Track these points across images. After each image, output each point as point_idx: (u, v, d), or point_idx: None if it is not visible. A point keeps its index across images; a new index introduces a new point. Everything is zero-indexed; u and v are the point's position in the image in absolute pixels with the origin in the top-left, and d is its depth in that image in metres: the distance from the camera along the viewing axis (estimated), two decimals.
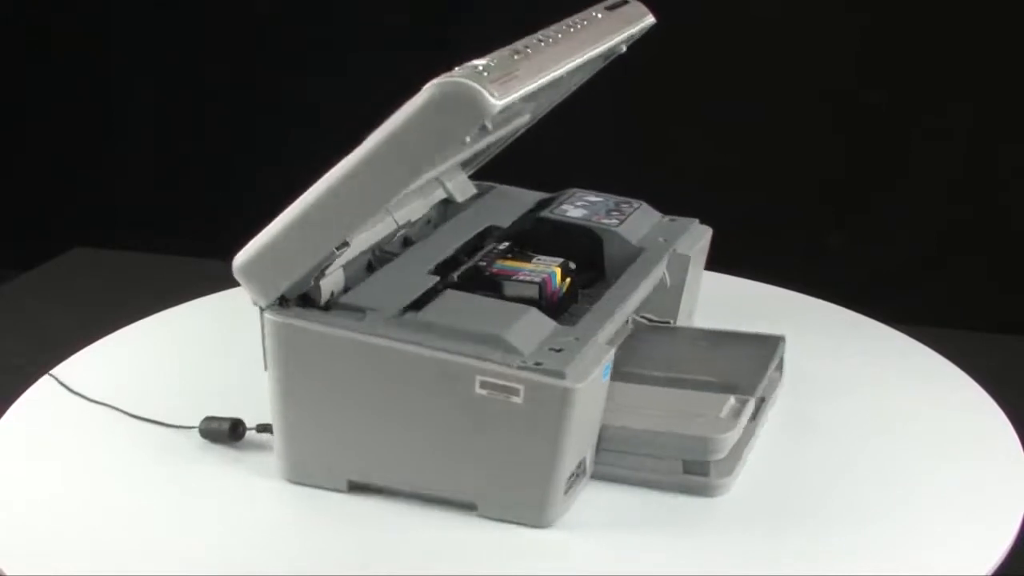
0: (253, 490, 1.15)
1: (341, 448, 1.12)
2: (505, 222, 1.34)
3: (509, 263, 1.23)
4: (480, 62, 1.05)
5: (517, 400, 1.04)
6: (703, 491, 1.13)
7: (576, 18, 1.25)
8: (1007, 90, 2.71)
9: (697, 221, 1.41)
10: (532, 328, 1.09)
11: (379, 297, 1.13)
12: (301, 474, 1.14)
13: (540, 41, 1.15)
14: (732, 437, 1.12)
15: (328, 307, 1.12)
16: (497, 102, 1.01)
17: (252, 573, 1.04)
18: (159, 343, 1.48)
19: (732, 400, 1.17)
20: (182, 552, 1.07)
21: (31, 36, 3.22)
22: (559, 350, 1.06)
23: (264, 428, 1.19)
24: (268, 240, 1.10)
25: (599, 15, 1.27)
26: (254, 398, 1.31)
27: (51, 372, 1.36)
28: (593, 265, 1.30)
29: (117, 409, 1.27)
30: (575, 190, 1.41)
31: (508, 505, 1.09)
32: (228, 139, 3.12)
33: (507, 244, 1.29)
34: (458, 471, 1.09)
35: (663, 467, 1.13)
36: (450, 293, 1.14)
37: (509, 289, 1.19)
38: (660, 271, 1.30)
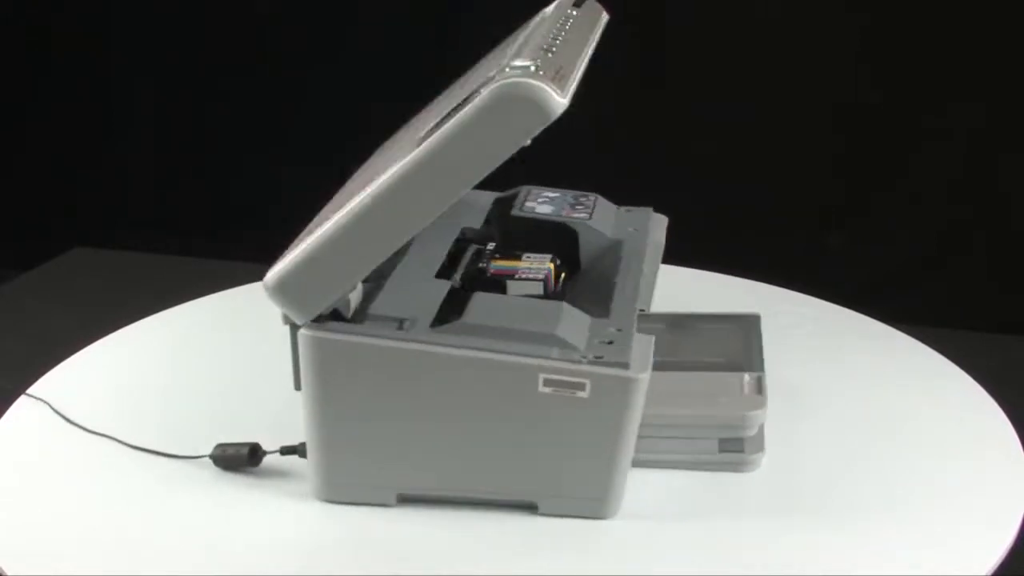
0: (274, 506, 1.13)
1: (391, 462, 1.10)
2: (476, 223, 1.34)
3: (503, 263, 1.23)
4: (526, 62, 1.03)
5: (583, 395, 1.05)
6: (740, 467, 1.17)
7: (555, 16, 1.24)
8: (1007, 90, 2.71)
9: (651, 209, 1.40)
10: (575, 323, 1.09)
11: (404, 306, 1.10)
12: (343, 493, 1.12)
13: (554, 37, 1.14)
14: (764, 412, 1.17)
15: (356, 319, 1.09)
16: (563, 100, 1.00)
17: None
18: (159, 343, 1.48)
19: (747, 377, 1.21)
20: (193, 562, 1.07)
21: (31, 36, 3.23)
22: (610, 342, 1.07)
23: (290, 450, 1.15)
24: (310, 255, 1.05)
25: (574, 12, 1.27)
26: (255, 400, 1.31)
27: (48, 397, 1.32)
28: (567, 258, 1.30)
29: (118, 440, 1.22)
30: (529, 187, 1.40)
31: (570, 500, 1.09)
32: (228, 139, 3.12)
33: (493, 244, 1.28)
34: (518, 472, 1.09)
35: (700, 447, 1.17)
36: (480, 295, 1.12)
37: (513, 288, 1.19)
38: (646, 259, 1.30)
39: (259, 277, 1.65)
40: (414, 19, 2.96)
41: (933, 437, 1.24)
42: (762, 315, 1.33)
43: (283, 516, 1.11)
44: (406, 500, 1.11)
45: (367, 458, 1.10)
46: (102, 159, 3.26)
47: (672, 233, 1.38)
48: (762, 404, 1.17)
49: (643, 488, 1.13)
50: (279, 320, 1.09)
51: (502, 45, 1.31)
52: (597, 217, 1.33)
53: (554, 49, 1.09)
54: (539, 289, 1.19)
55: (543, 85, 1.00)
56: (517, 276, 1.20)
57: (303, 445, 1.12)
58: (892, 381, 1.37)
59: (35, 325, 2.74)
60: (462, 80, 1.28)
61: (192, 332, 1.50)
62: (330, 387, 1.08)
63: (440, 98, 1.33)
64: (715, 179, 2.81)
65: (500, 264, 1.23)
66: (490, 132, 1.02)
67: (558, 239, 1.30)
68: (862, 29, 2.76)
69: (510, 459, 1.09)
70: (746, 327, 1.32)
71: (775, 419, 1.24)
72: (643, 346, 1.09)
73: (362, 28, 2.98)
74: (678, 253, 1.45)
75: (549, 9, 1.29)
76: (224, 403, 1.31)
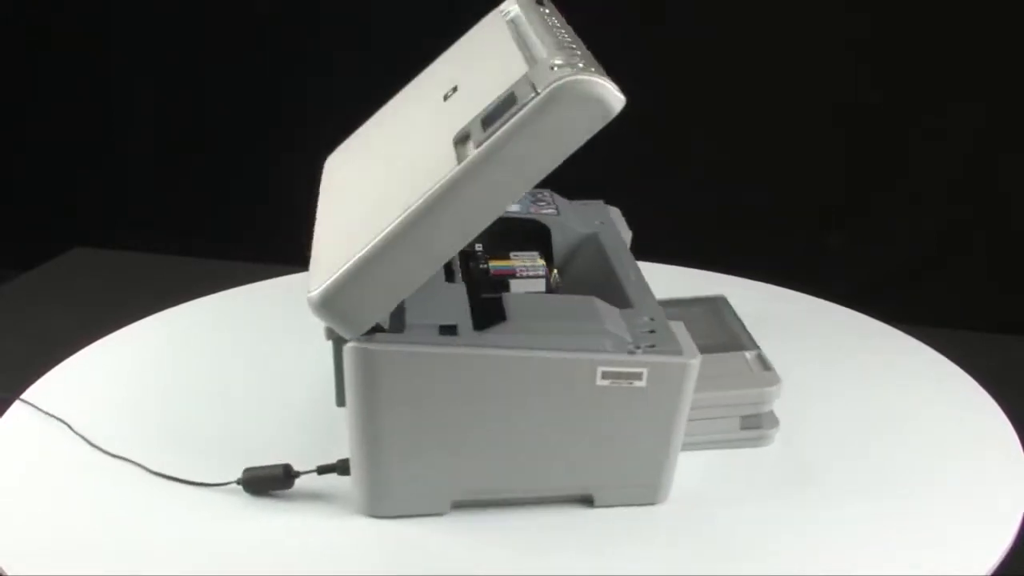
0: (313, 525, 1.10)
1: (445, 470, 1.09)
2: None
3: (498, 263, 1.24)
4: (566, 59, 1.02)
5: (640, 384, 1.06)
6: (759, 442, 1.22)
7: (531, 14, 1.22)
8: (1008, 90, 2.71)
9: (603, 202, 1.40)
10: (612, 316, 1.10)
11: (436, 312, 1.09)
12: (395, 507, 1.10)
13: (562, 35, 1.13)
14: (780, 386, 1.22)
15: (394, 329, 1.07)
16: (622, 97, 0.99)
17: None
18: (159, 343, 1.48)
19: (747, 355, 1.25)
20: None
21: (31, 36, 3.22)
22: (652, 331, 1.09)
23: (327, 469, 1.12)
24: (360, 268, 1.01)
25: (547, 10, 1.26)
26: (256, 401, 1.31)
27: (48, 398, 1.33)
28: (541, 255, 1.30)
29: (142, 467, 1.18)
30: None
31: (626, 489, 1.12)
32: (228, 139, 3.12)
33: (481, 245, 1.28)
34: (575, 466, 1.10)
35: (723, 427, 1.21)
36: (510, 296, 1.12)
37: (516, 286, 1.19)
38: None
39: (259, 277, 1.65)
40: (415, 19, 2.96)
41: (933, 437, 1.24)
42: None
43: (329, 535, 1.09)
44: (458, 507, 1.11)
45: (420, 469, 1.09)
46: (102, 159, 3.26)
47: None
48: (777, 379, 1.21)
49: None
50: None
51: (467, 43, 1.29)
52: (564, 212, 1.33)
53: (575, 47, 1.08)
54: (542, 286, 1.19)
55: (603, 82, 0.99)
56: (518, 274, 1.20)
57: (343, 462, 1.11)
58: (892, 381, 1.37)
59: (35, 325, 2.74)
60: (437, 78, 1.26)
61: (192, 332, 1.50)
62: (381, 399, 1.05)
63: (407, 97, 1.31)
64: (715, 179, 2.81)
65: (496, 264, 1.23)
66: (551, 132, 0.99)
67: (529, 236, 1.30)
68: (862, 29, 2.76)
69: (567, 455, 1.10)
70: (715, 308, 1.35)
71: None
72: (681, 332, 1.10)
73: (362, 28, 2.97)
74: (678, 253, 1.45)
75: (508, 8, 1.27)
76: (225, 404, 1.31)
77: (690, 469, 1.16)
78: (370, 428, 1.06)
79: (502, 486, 1.11)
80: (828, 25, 2.76)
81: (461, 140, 1.03)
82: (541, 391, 1.06)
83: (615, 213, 1.38)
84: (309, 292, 1.02)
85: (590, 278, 1.24)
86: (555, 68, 1.00)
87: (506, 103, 1.00)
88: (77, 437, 1.24)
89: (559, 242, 1.30)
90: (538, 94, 0.98)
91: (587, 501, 1.12)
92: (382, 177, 1.15)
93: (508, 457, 1.09)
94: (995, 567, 1.04)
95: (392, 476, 1.09)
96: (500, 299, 1.10)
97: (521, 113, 0.98)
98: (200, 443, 1.22)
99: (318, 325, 1.04)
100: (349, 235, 1.06)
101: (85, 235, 3.21)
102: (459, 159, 1.01)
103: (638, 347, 1.07)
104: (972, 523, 1.10)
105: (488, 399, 1.06)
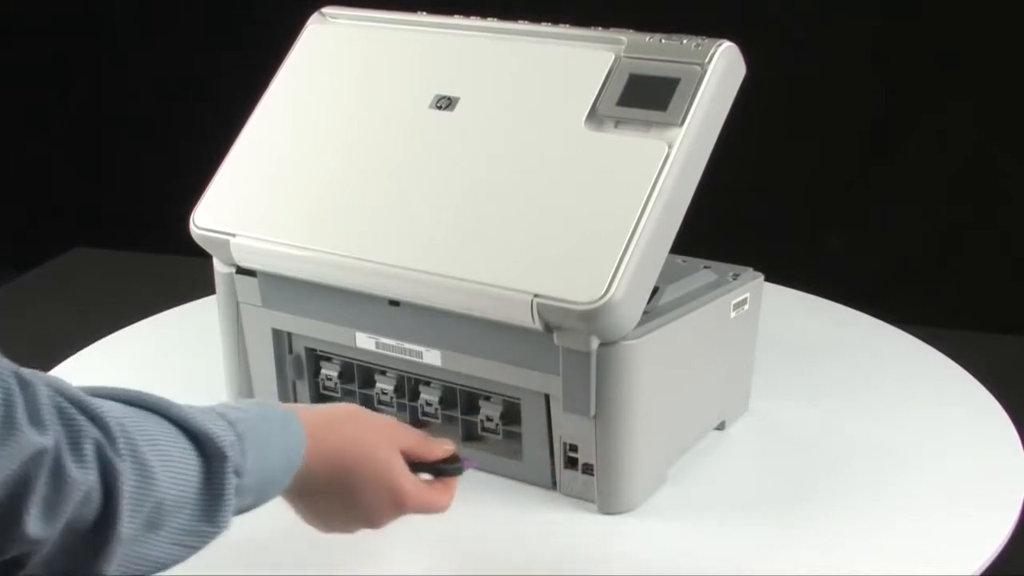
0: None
1: (664, 440, 1.12)
2: None
3: None
4: (659, 37, 1.15)
5: (746, 307, 1.21)
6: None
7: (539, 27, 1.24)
8: (1008, 89, 2.71)
9: None
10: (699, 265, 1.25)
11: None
12: (639, 497, 1.11)
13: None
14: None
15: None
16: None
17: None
18: (159, 344, 1.48)
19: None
20: None
21: (31, 35, 3.23)
22: (707, 267, 1.24)
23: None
24: (635, 267, 1.01)
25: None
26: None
27: None
28: None
29: None
30: None
31: (738, 410, 1.25)
32: (228, 139, 3.12)
33: None
34: (727, 395, 1.22)
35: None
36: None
37: None
38: None
39: None
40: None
41: (933, 436, 1.24)
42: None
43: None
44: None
45: (653, 448, 1.10)
46: (102, 159, 3.26)
47: None
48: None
49: None
50: None
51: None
52: None
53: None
54: None
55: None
56: None
57: (585, 468, 1.08)
58: (892, 380, 1.37)
59: (34, 325, 2.74)
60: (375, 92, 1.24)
61: (192, 333, 1.50)
62: (643, 386, 1.06)
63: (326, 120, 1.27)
64: (715, 179, 2.80)
65: None
66: (724, 94, 1.10)
67: None
68: (862, 29, 2.76)
69: (729, 383, 1.22)
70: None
71: (774, 417, 1.24)
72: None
73: None
74: (677, 251, 1.44)
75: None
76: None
77: (687, 466, 1.16)
78: (628, 423, 1.06)
79: (691, 437, 1.18)
80: (828, 24, 2.76)
81: (602, 120, 1.07)
82: (707, 334, 1.15)
83: None
84: (586, 308, 0.99)
85: None
86: (685, 42, 1.11)
87: (661, 79, 1.08)
88: None
89: None
90: (705, 64, 1.07)
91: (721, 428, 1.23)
92: (478, 176, 1.11)
93: (694, 408, 1.17)
94: (995, 565, 1.04)
95: (641, 465, 1.09)
96: None
97: (706, 81, 1.07)
98: None
99: None
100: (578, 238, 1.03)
101: (85, 235, 3.21)
102: (614, 137, 1.06)
103: (735, 275, 1.20)
104: (971, 522, 1.10)
105: (681, 359, 1.12)
